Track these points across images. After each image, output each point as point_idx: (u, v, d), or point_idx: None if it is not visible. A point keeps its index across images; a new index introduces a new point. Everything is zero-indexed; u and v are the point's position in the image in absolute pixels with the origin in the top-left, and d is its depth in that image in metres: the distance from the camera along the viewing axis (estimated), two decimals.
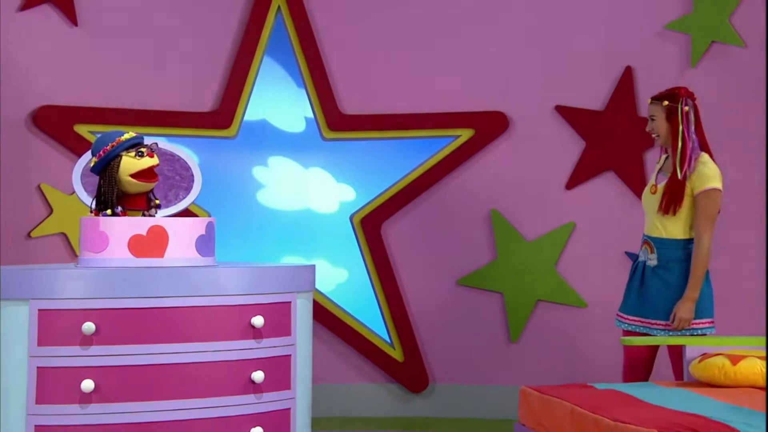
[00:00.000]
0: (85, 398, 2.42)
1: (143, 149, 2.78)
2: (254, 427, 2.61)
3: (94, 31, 4.31)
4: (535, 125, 4.61)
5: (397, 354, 4.62)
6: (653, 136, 3.33)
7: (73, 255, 4.24)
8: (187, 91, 4.46)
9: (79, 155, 4.25)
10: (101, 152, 2.82)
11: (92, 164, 2.84)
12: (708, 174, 3.22)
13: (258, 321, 2.58)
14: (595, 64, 4.56)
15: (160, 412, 2.49)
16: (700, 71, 4.49)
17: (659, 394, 2.76)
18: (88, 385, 2.42)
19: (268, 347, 2.62)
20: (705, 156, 3.26)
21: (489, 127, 4.62)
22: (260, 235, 4.60)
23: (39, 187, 4.21)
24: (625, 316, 3.36)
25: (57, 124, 4.22)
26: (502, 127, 4.60)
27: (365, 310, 4.64)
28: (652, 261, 3.26)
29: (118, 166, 2.78)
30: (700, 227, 3.21)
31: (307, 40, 4.60)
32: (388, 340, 4.63)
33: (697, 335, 3.23)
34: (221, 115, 4.53)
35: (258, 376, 2.56)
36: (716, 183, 3.22)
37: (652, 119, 3.30)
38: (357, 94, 4.63)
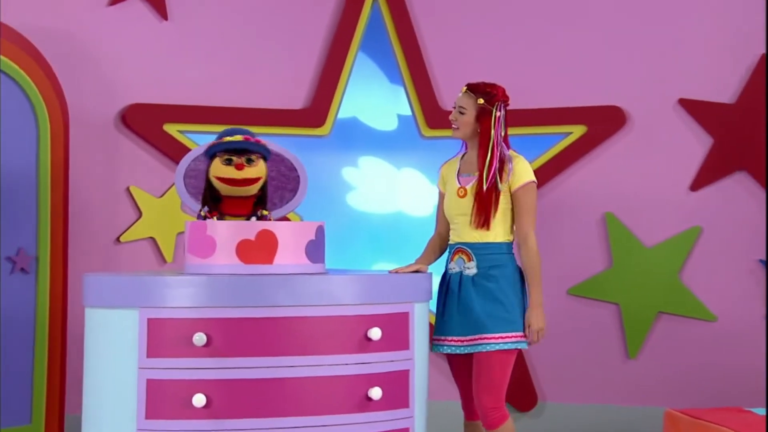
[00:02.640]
0: (197, 413, 2.43)
1: (234, 158, 2.80)
2: None
3: (185, 25, 4.37)
4: (655, 120, 4.49)
5: None
6: (453, 126, 3.20)
7: (162, 260, 4.30)
8: (279, 87, 4.49)
9: (169, 156, 4.32)
10: (210, 144, 2.85)
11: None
12: (522, 169, 3.16)
13: (375, 333, 2.56)
14: (724, 52, 4.42)
15: (273, 430, 2.49)
16: None
17: None
18: (199, 399, 2.44)
19: (386, 362, 2.60)
20: (513, 153, 3.19)
21: (604, 122, 4.53)
22: (350, 240, 4.60)
23: (128, 190, 4.28)
24: (447, 338, 3.10)
25: (146, 123, 4.29)
26: (619, 123, 4.50)
27: None
28: (471, 270, 3.11)
29: (210, 165, 2.82)
30: (524, 226, 3.11)
31: (406, 32, 4.59)
32: None
33: (509, 349, 3.08)
34: (314, 112, 4.55)
35: (375, 392, 2.54)
36: (532, 176, 3.17)
37: (461, 112, 3.18)
38: (458, 89, 4.58)
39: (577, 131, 4.55)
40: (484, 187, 3.09)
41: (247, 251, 2.63)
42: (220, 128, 4.35)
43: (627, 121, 4.52)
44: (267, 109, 4.47)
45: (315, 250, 2.75)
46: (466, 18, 4.61)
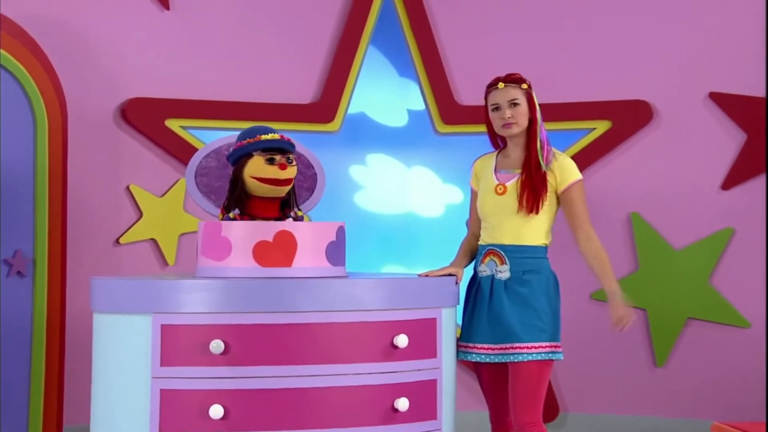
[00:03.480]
0: (213, 425, 2.41)
1: (276, 157, 2.79)
2: None
3: (188, 15, 4.34)
4: (684, 115, 4.47)
5: None
6: (507, 124, 3.16)
7: (164, 263, 4.28)
8: (287, 81, 4.47)
9: (171, 153, 4.30)
10: (238, 145, 2.83)
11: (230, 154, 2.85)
12: (571, 165, 3.16)
13: (402, 340, 2.54)
14: (757, 42, 4.40)
15: None
16: None
17: None
18: (216, 410, 2.41)
19: (412, 371, 2.57)
20: (555, 150, 3.21)
21: (629, 118, 4.51)
22: (358, 242, 4.56)
23: (128, 189, 4.26)
24: (476, 345, 3.06)
25: (147, 118, 4.26)
26: (646, 118, 4.48)
27: None
28: (503, 274, 3.08)
29: (245, 164, 2.78)
30: (583, 223, 3.12)
31: (420, 23, 4.57)
32: None
33: (543, 360, 3.03)
34: (323, 107, 4.53)
35: (402, 403, 2.52)
36: (580, 174, 3.17)
37: (515, 104, 3.16)
38: (475, 83, 4.56)
39: (601, 127, 4.53)
40: (543, 166, 3.07)
41: (265, 253, 2.61)
42: (224, 124, 4.38)
43: (654, 116, 4.49)
44: (274, 103, 4.45)
45: (335, 252, 2.73)
46: (483, 8, 4.59)
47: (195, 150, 4.29)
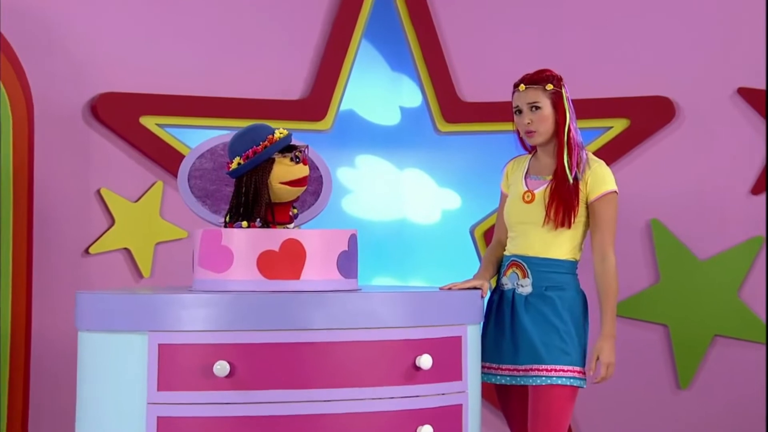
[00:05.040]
0: None
1: (299, 154, 2.76)
2: None
3: (165, 1, 4.31)
4: (710, 113, 4.49)
5: None
6: (529, 132, 3.12)
7: (138, 275, 4.24)
8: (274, 75, 4.45)
9: (146, 154, 4.26)
10: (250, 152, 2.78)
11: (234, 166, 2.80)
12: (606, 174, 3.13)
13: (425, 361, 2.52)
14: None
15: None
16: None
17: None
18: None
19: (436, 395, 2.55)
20: (592, 156, 3.18)
21: (649, 115, 4.53)
22: None
23: (98, 193, 4.22)
24: (501, 366, 3.07)
25: (120, 115, 4.23)
26: (667, 116, 4.50)
27: None
28: (525, 288, 3.07)
29: (270, 171, 2.75)
30: (603, 241, 3.07)
31: (419, 11, 4.55)
32: None
33: (566, 385, 3.01)
34: (313, 104, 4.51)
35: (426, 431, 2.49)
36: (615, 185, 3.14)
37: (536, 108, 3.11)
38: (481, 77, 4.57)
39: (618, 125, 4.53)
40: (570, 177, 3.02)
41: (271, 264, 2.58)
42: (205, 122, 4.35)
43: (677, 113, 4.51)
44: (259, 99, 4.43)
45: (348, 262, 2.71)
46: None
47: (173, 150, 4.27)
